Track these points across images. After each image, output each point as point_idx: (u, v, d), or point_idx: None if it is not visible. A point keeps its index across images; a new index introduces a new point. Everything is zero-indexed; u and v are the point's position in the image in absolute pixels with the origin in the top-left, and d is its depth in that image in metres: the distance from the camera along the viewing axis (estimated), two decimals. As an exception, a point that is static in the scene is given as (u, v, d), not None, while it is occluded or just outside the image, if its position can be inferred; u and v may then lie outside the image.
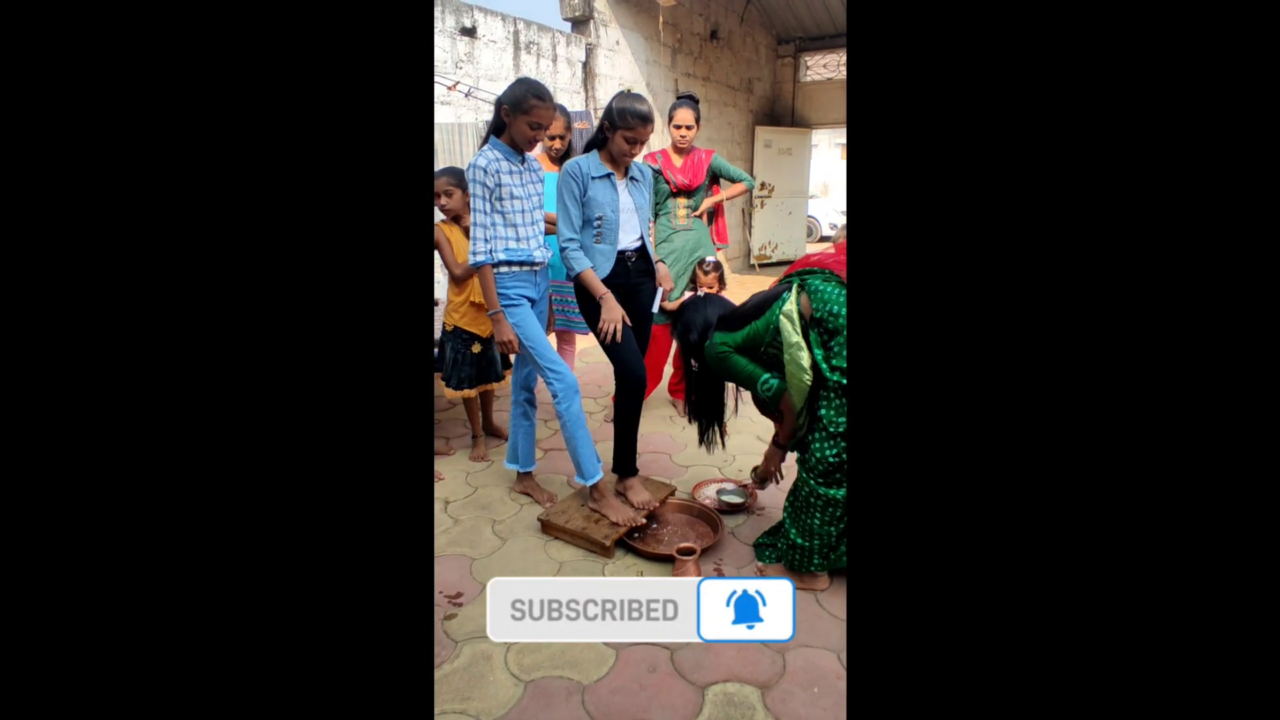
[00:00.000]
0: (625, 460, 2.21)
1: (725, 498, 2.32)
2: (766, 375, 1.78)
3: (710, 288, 2.91)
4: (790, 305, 1.70)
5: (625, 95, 2.05)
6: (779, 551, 1.88)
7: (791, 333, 1.66)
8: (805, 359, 1.65)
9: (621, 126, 2.00)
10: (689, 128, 2.90)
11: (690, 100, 2.94)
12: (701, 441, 2.09)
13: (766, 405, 1.89)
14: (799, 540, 1.79)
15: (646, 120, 2.00)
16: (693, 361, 2.03)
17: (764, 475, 2.12)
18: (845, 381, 1.63)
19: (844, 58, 8.00)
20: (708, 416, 2.04)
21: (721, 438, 2.11)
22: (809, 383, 1.66)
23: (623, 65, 5.76)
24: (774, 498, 2.35)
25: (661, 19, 5.85)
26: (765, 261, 8.13)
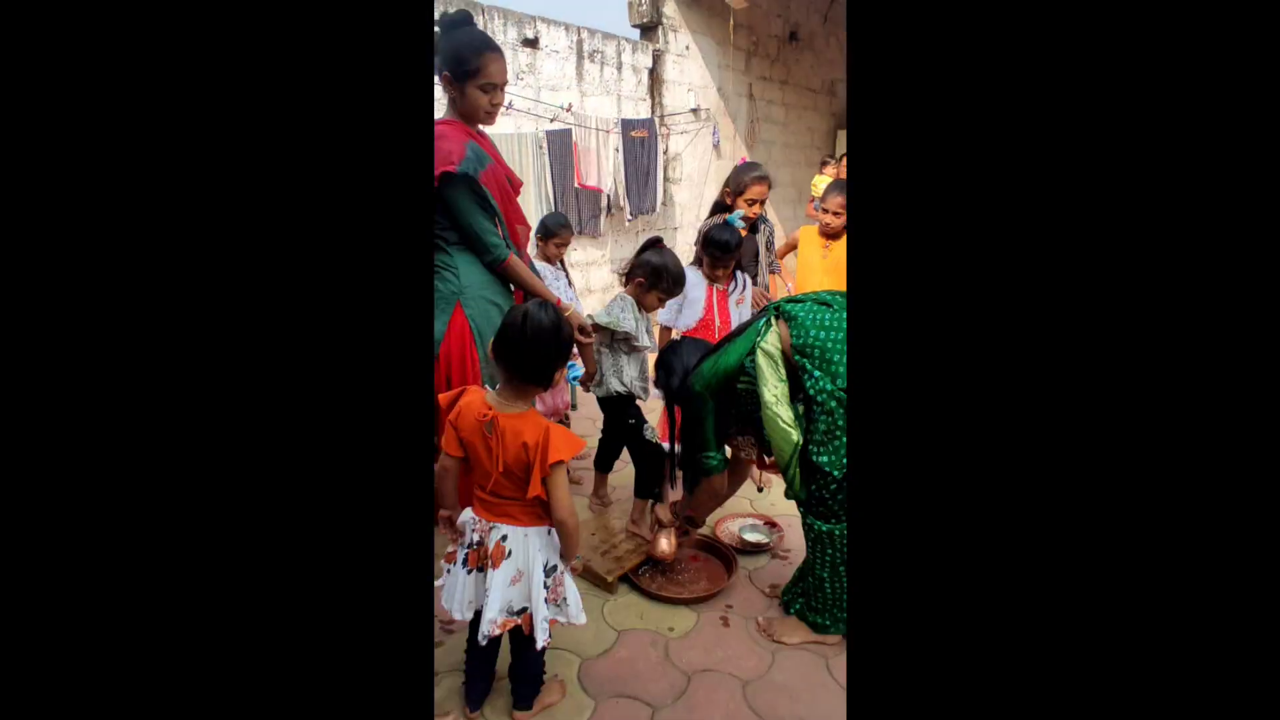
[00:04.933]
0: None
1: (748, 535, 2.15)
2: (717, 455, 1.66)
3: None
4: (769, 343, 1.52)
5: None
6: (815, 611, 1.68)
7: (768, 388, 1.49)
8: (787, 414, 1.49)
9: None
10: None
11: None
12: (689, 490, 1.88)
13: (689, 469, 1.75)
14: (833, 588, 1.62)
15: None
16: (675, 408, 1.86)
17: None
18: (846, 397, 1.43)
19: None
20: (693, 466, 1.84)
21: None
22: (798, 441, 1.49)
23: (692, 71, 5.64)
24: (799, 539, 2.17)
25: (733, 21, 5.67)
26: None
